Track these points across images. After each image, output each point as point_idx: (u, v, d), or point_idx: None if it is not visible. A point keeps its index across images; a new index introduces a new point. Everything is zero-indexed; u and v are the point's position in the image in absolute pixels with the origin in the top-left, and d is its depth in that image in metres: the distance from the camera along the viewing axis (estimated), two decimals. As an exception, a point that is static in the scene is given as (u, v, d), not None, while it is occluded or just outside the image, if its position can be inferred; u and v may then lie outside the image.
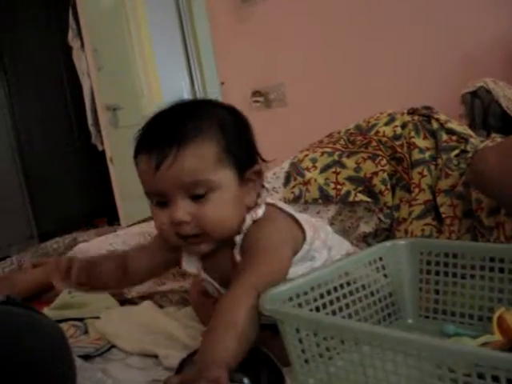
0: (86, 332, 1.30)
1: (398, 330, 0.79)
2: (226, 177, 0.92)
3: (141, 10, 3.93)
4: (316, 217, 1.31)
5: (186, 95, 5.13)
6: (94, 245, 1.57)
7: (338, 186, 1.36)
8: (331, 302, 0.89)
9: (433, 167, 1.32)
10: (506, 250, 0.94)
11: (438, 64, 2.52)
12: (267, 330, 1.01)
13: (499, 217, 1.20)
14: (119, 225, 3.55)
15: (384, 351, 0.67)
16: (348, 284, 0.92)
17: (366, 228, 1.35)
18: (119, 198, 3.73)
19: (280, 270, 0.92)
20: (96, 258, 1.10)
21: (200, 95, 5.07)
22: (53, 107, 4.30)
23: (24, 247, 2.48)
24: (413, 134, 1.37)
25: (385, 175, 1.34)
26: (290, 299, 0.84)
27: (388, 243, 1.02)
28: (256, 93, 3.11)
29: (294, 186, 1.39)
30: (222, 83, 3.24)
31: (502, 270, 0.93)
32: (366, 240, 1.35)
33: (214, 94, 4.63)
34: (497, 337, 0.83)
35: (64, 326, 1.29)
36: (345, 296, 0.92)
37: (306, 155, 1.44)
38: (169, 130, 0.92)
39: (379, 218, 1.35)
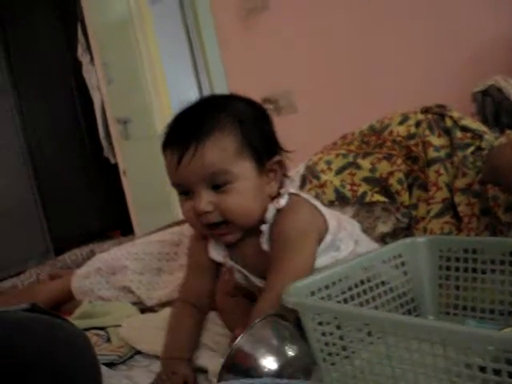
0: (108, 340, 1.31)
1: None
2: (245, 168, 0.97)
3: (148, 23, 3.96)
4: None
5: (196, 106, 5.16)
6: (113, 254, 1.58)
7: (354, 188, 1.37)
8: (352, 297, 0.90)
9: (449, 165, 1.33)
10: (525, 243, 0.95)
11: (445, 63, 2.52)
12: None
13: (517, 213, 1.20)
14: (134, 236, 3.57)
15: (410, 341, 0.68)
16: (368, 280, 0.93)
17: (383, 228, 1.35)
18: (133, 210, 3.76)
19: (305, 267, 0.96)
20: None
21: (209, 105, 5.10)
22: (64, 122, 4.34)
23: (40, 262, 2.49)
24: (427, 132, 1.37)
25: (401, 175, 1.35)
26: (312, 293, 0.85)
27: (407, 240, 1.03)
28: (266, 100, 3.12)
29: (309, 189, 1.40)
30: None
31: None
32: (384, 240, 1.35)
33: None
34: (519, 329, 0.84)
35: (87, 334, 1.30)
36: (365, 292, 0.92)
37: (321, 158, 1.45)
38: (189, 125, 0.97)
39: (397, 218, 1.36)
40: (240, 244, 1.04)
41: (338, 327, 0.77)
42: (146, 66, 3.88)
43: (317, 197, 1.38)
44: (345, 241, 1.04)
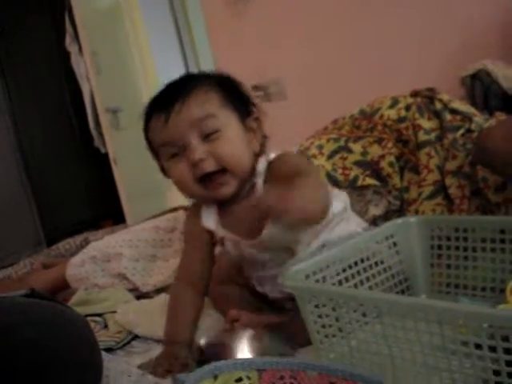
0: (105, 327, 1.32)
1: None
2: (230, 118, 1.04)
3: (136, 12, 3.94)
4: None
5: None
6: (106, 242, 1.59)
7: (346, 171, 1.38)
8: (346, 279, 0.92)
9: (439, 148, 1.34)
10: (515, 222, 0.96)
11: (434, 48, 2.53)
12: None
13: (507, 193, 1.22)
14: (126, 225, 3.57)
15: (405, 321, 0.70)
16: (362, 261, 0.95)
17: (375, 211, 1.37)
18: (125, 199, 3.75)
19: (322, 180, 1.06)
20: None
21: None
22: (54, 112, 4.31)
23: (32, 253, 2.49)
24: (417, 115, 1.39)
25: (392, 158, 1.36)
26: (307, 276, 0.86)
27: (399, 220, 1.04)
28: (255, 87, 3.12)
29: None
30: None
31: (512, 242, 0.95)
32: (376, 223, 1.37)
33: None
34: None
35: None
36: (359, 273, 0.94)
37: (312, 142, 1.46)
38: (171, 91, 1.05)
39: (388, 201, 1.37)
40: (231, 210, 1.07)
41: (334, 309, 0.78)
42: (135, 54, 3.86)
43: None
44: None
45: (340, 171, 1.39)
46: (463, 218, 1.10)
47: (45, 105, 4.23)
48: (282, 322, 1.06)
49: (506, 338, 0.61)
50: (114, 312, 1.34)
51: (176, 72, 4.17)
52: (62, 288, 1.62)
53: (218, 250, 1.17)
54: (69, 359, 0.79)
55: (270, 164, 1.05)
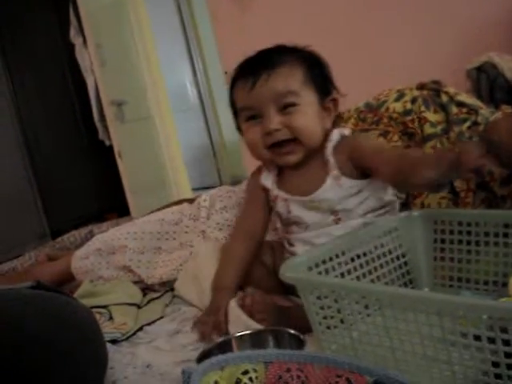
0: (110, 318, 1.32)
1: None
2: (309, 96, 1.12)
3: (141, 4, 3.93)
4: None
5: (189, 85, 5.16)
6: (111, 235, 1.60)
7: None
8: (349, 272, 0.92)
9: (445, 141, 1.34)
10: (518, 215, 0.97)
11: (440, 41, 2.52)
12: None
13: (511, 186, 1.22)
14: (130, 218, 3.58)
15: (406, 313, 0.70)
16: (365, 254, 0.95)
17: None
18: (129, 191, 3.77)
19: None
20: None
21: (203, 85, 5.10)
22: (58, 105, 4.31)
23: (37, 246, 2.51)
24: (423, 108, 1.38)
25: None
26: (310, 269, 0.87)
27: (403, 214, 1.05)
28: (260, 80, 3.11)
29: None
30: (226, 72, 3.24)
31: (515, 235, 0.96)
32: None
33: (217, 83, 4.65)
34: (514, 299, 0.86)
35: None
36: (361, 266, 0.95)
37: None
38: (261, 59, 1.14)
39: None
40: (290, 174, 1.18)
41: (336, 300, 0.79)
42: (139, 47, 3.86)
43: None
44: None
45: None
46: (466, 212, 1.10)
47: (49, 98, 4.23)
48: (292, 306, 1.12)
49: (504, 330, 0.62)
50: (120, 304, 1.35)
51: (180, 65, 4.19)
52: (68, 280, 1.63)
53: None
54: (73, 351, 0.80)
55: (346, 138, 1.16)
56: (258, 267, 1.26)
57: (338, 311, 0.80)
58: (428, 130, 1.36)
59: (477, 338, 0.65)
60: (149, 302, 1.43)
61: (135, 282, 1.49)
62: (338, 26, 2.72)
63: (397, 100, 1.43)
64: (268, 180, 1.22)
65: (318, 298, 0.81)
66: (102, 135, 3.98)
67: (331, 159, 1.13)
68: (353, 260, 0.93)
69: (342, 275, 0.91)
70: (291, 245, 1.21)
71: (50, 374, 0.77)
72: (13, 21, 4.06)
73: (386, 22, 2.62)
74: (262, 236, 1.26)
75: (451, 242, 1.02)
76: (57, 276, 1.65)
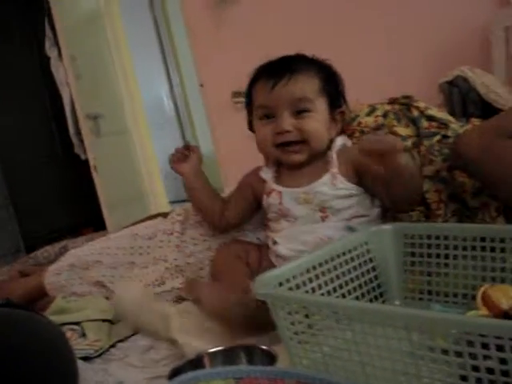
0: (83, 335, 1.31)
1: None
2: (322, 105, 1.22)
3: (117, 17, 3.93)
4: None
5: (166, 99, 5.16)
6: (85, 250, 1.59)
7: None
8: (320, 286, 0.93)
9: (416, 154, 1.36)
10: (486, 229, 0.98)
11: (414, 54, 2.56)
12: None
13: (483, 198, 1.24)
14: (106, 232, 3.55)
15: (375, 327, 0.71)
16: (335, 268, 0.96)
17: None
18: (105, 206, 3.74)
19: None
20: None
21: (180, 98, 5.10)
22: (33, 118, 4.27)
23: (11, 261, 2.48)
24: (394, 122, 1.40)
25: None
26: (280, 284, 0.87)
27: (373, 228, 1.06)
28: (236, 93, 3.13)
29: None
30: (202, 85, 3.25)
31: (483, 249, 0.97)
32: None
33: (193, 96, 4.65)
34: (482, 312, 0.87)
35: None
36: (332, 280, 0.95)
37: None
38: (283, 63, 1.24)
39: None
40: (290, 173, 1.26)
41: (307, 316, 0.79)
42: (115, 60, 3.85)
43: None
44: None
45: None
46: (436, 226, 1.11)
47: (24, 110, 4.19)
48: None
49: (471, 344, 0.63)
50: (92, 320, 1.34)
51: (157, 79, 4.18)
52: (41, 296, 1.61)
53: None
54: (41, 369, 0.79)
55: (349, 147, 1.26)
56: (243, 268, 1.29)
57: (309, 326, 0.80)
58: None
59: (444, 351, 0.66)
60: (122, 317, 1.41)
61: (107, 298, 1.48)
62: (311, 41, 2.72)
63: (368, 114, 1.45)
64: (268, 174, 1.31)
65: (289, 313, 0.81)
66: (77, 149, 3.94)
67: (334, 158, 1.22)
68: (323, 274, 0.94)
69: (313, 290, 0.92)
70: (275, 243, 1.25)
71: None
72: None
73: (359, 36, 2.66)
74: (231, 217, 1.38)
75: (421, 256, 1.03)
76: (30, 292, 1.63)
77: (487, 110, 2.17)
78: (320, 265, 0.94)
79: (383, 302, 1.03)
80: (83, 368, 1.07)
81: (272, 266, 1.22)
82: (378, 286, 1.03)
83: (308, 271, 0.92)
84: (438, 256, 1.01)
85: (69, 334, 1.30)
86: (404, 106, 1.46)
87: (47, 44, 3.84)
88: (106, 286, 1.48)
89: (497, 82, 2.19)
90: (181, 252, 1.45)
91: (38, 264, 2.01)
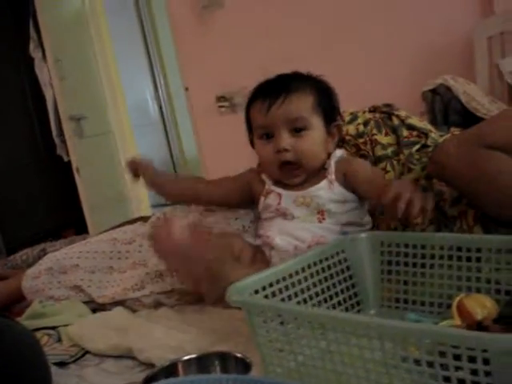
0: (59, 340, 1.30)
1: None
2: (318, 122, 1.24)
3: (102, 19, 3.91)
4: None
5: (151, 101, 5.15)
6: (63, 254, 1.57)
7: None
8: (296, 294, 0.93)
9: (395, 162, 1.37)
10: (462, 239, 0.99)
11: (398, 63, 2.57)
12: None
13: (461, 206, 1.25)
14: (88, 235, 3.53)
15: (348, 336, 0.71)
16: (312, 276, 0.96)
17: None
18: (87, 208, 3.71)
19: None
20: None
21: (164, 100, 5.09)
22: (16, 119, 4.24)
23: (-8, 262, 2.45)
24: (375, 131, 1.41)
25: None
26: (256, 292, 0.87)
27: (349, 237, 1.06)
28: (221, 98, 3.13)
29: None
30: (187, 89, 3.25)
31: (459, 258, 0.98)
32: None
33: (178, 99, 4.65)
34: (456, 321, 0.87)
35: (37, 334, 1.29)
36: (308, 288, 0.95)
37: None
38: (278, 83, 1.27)
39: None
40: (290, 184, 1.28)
41: (282, 324, 0.79)
42: (99, 62, 3.83)
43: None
44: None
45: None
46: (412, 235, 1.11)
47: (7, 111, 4.15)
48: None
49: (443, 354, 0.63)
50: (68, 325, 1.33)
51: (142, 80, 4.17)
52: (18, 300, 1.60)
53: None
54: (13, 376, 0.78)
55: (344, 159, 1.28)
56: (237, 267, 1.25)
57: (284, 334, 0.80)
58: (379, 151, 1.38)
59: (417, 361, 0.66)
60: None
61: (86, 302, 1.47)
62: (295, 50, 2.74)
63: (350, 122, 1.46)
64: (268, 179, 1.32)
65: (264, 321, 0.81)
66: (59, 150, 3.91)
67: (332, 166, 1.25)
68: (300, 282, 0.94)
69: (289, 298, 0.92)
70: (269, 236, 1.25)
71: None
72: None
73: (342, 45, 2.67)
74: (216, 193, 1.42)
75: (397, 264, 1.03)
76: (7, 296, 1.61)
77: (469, 118, 2.19)
78: (296, 272, 0.94)
79: (359, 310, 1.03)
80: (58, 373, 1.07)
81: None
82: (355, 294, 1.03)
83: (284, 279, 0.92)
84: (414, 265, 1.01)
85: (45, 339, 1.29)
86: (385, 114, 1.47)
87: (32, 45, 3.82)
88: (84, 290, 1.46)
89: (479, 92, 2.21)
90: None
91: (17, 267, 1.99)
